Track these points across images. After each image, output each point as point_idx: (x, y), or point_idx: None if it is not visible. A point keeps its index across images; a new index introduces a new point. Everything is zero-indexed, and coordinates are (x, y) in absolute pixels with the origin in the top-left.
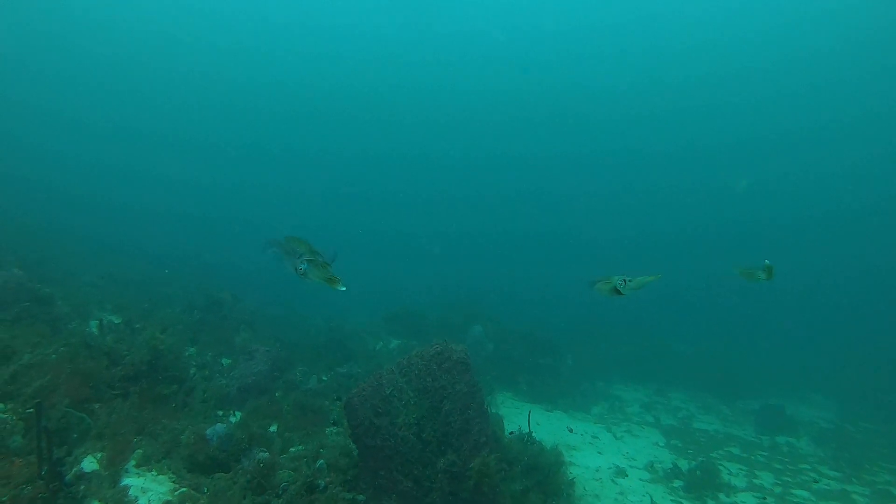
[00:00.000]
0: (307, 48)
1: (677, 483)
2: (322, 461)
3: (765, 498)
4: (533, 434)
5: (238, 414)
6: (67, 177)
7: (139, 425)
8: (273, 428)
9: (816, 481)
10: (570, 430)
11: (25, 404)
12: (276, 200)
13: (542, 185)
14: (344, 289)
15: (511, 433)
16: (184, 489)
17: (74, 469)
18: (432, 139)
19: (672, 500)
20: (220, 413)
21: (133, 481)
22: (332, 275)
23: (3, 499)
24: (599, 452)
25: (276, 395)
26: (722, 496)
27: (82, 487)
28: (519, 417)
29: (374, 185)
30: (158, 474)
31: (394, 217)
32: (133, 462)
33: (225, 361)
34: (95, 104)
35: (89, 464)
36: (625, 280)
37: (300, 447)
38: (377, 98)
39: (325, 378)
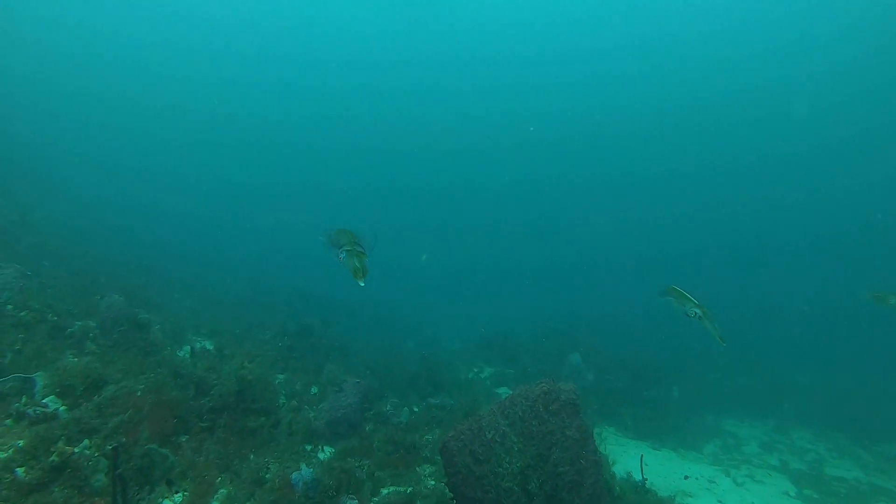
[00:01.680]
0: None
1: None
2: None
3: None
4: (647, 481)
5: (327, 449)
6: (158, 192)
7: (224, 462)
8: (364, 466)
9: None
10: (686, 478)
11: (108, 440)
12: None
13: (636, 206)
14: (362, 284)
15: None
16: None
17: None
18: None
19: None
20: (309, 448)
21: None
22: (360, 267)
23: None
24: (720, 501)
25: (367, 428)
26: None
27: None
28: (625, 457)
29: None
30: None
31: (491, 245)
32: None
33: (314, 390)
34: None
35: None
36: (697, 313)
37: (391, 488)
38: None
39: (416, 409)
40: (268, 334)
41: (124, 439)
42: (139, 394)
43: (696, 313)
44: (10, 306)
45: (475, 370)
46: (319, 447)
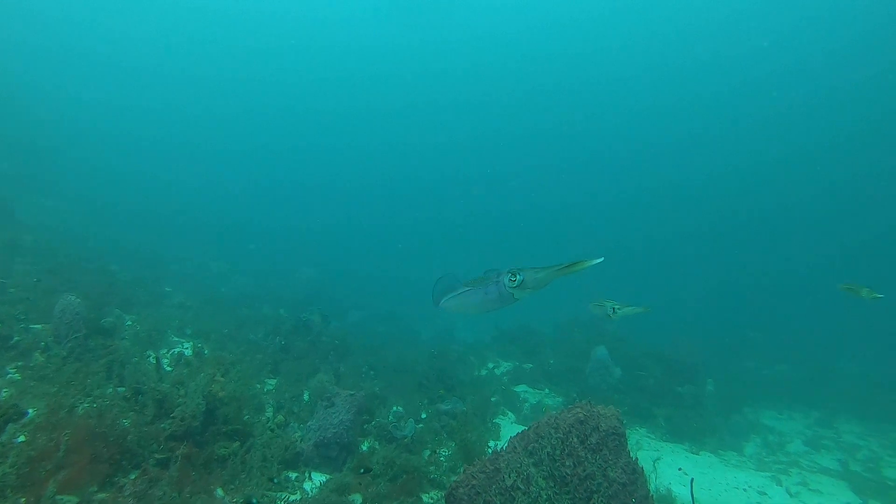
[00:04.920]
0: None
1: None
2: None
3: None
4: None
5: (316, 477)
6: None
7: None
8: (357, 500)
9: None
10: (680, 469)
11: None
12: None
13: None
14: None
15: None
16: None
17: None
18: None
19: None
20: (293, 476)
21: None
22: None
23: None
24: None
25: (364, 447)
26: None
27: None
28: (661, 464)
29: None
30: None
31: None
32: None
33: (307, 396)
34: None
35: None
36: (614, 308)
37: None
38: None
39: (424, 416)
40: (260, 333)
41: (23, 500)
42: (79, 416)
43: (613, 308)
44: None
45: (490, 366)
46: (306, 475)
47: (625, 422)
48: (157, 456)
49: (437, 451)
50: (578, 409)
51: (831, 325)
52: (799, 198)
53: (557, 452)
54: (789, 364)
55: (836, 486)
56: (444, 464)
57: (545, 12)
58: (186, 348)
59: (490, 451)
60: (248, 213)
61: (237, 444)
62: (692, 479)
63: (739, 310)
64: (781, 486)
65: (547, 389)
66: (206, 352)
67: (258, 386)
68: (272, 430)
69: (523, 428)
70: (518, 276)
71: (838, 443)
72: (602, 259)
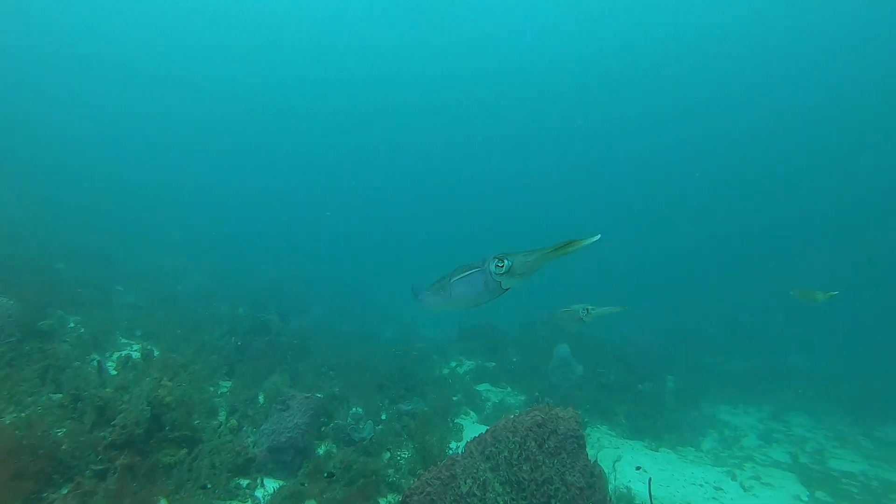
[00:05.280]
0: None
1: None
2: None
3: None
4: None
5: (269, 483)
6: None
7: None
8: None
9: None
10: (639, 468)
11: None
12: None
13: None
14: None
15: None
16: None
17: None
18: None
19: None
20: (245, 484)
21: None
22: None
23: None
24: None
25: (321, 451)
26: None
27: None
28: (621, 462)
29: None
30: None
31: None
32: None
33: (262, 399)
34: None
35: None
36: (587, 309)
37: None
38: None
39: (384, 417)
40: (216, 333)
41: None
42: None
43: (586, 310)
44: None
45: (453, 364)
46: (258, 482)
47: (586, 419)
48: (94, 467)
49: (397, 453)
50: (537, 412)
51: (784, 321)
52: (756, 197)
53: (515, 457)
54: (745, 360)
55: (787, 478)
56: (404, 466)
57: (555, 13)
58: (135, 351)
59: (451, 451)
60: (214, 212)
61: (184, 451)
62: (650, 479)
63: (699, 306)
64: (736, 480)
65: (509, 388)
66: (156, 354)
67: (211, 389)
68: (224, 435)
69: (485, 427)
70: (506, 262)
71: (789, 436)
72: (599, 236)
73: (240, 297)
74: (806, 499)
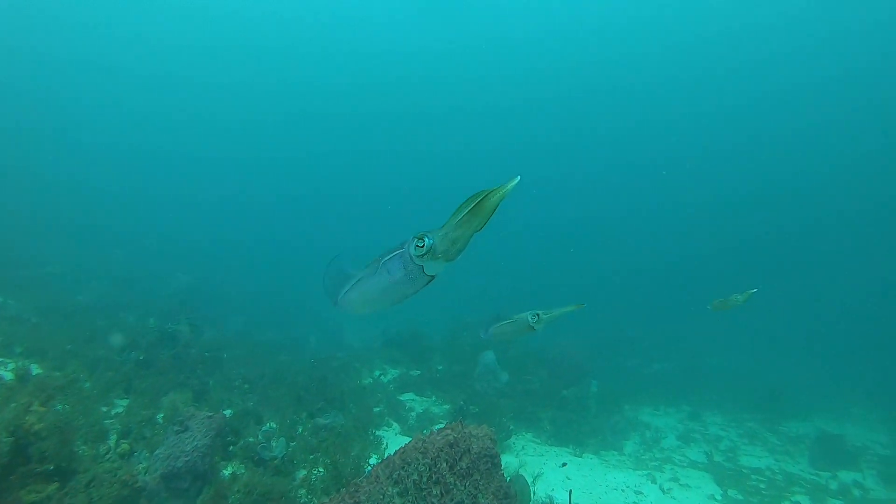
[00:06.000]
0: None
1: None
2: None
3: None
4: None
5: None
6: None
7: None
8: None
9: None
10: (564, 464)
11: None
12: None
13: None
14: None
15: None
16: None
17: None
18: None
19: None
20: None
21: None
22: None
23: None
24: None
25: (226, 473)
26: None
27: None
28: (546, 468)
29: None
30: None
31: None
32: None
33: (159, 417)
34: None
35: None
36: (538, 314)
37: None
38: None
39: (301, 431)
40: (116, 347)
41: None
42: None
43: (536, 315)
44: None
45: (377, 373)
46: None
47: (511, 427)
48: None
49: (312, 471)
50: (449, 431)
51: (701, 322)
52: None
53: (424, 480)
54: (666, 361)
55: (703, 478)
56: (318, 485)
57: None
58: (8, 371)
59: (369, 468)
60: (127, 214)
61: (55, 485)
62: (570, 491)
63: (622, 309)
64: (656, 483)
65: (434, 397)
66: (35, 372)
67: (105, 409)
68: (110, 462)
69: (408, 439)
70: (426, 240)
71: (705, 435)
72: (518, 178)
73: (150, 306)
74: (720, 498)
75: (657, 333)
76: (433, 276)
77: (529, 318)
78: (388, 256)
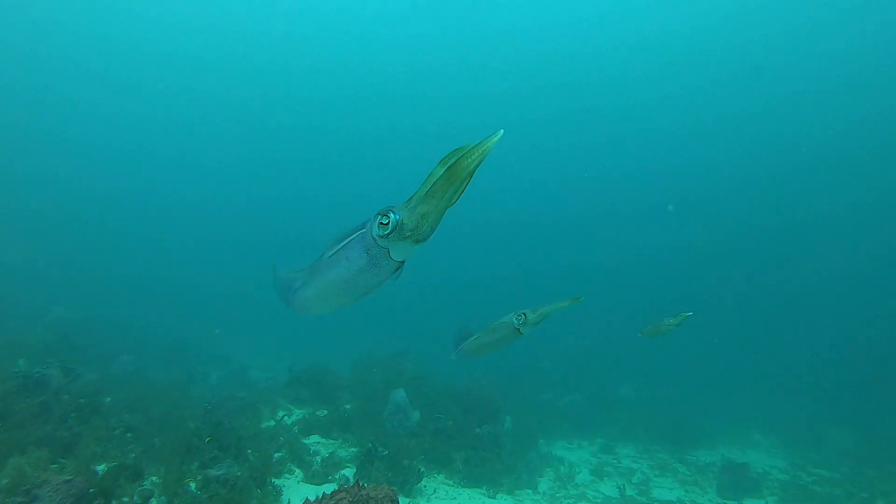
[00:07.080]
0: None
1: None
2: None
3: None
4: None
5: None
6: None
7: None
8: None
9: None
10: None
11: None
12: None
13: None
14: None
15: None
16: None
17: None
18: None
19: None
20: None
21: None
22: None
23: None
24: None
25: None
26: None
27: None
28: None
29: None
30: None
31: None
32: None
33: (4, 482)
34: None
35: None
36: (524, 314)
37: None
38: None
39: (192, 488)
40: None
41: None
42: None
43: (523, 315)
44: None
45: (281, 414)
46: None
47: (422, 469)
48: None
49: None
50: (344, 495)
51: (614, 352)
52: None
53: None
54: (578, 392)
55: None
56: None
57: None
58: None
59: None
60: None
61: None
62: None
63: (537, 340)
64: None
65: (341, 440)
66: None
67: None
68: None
69: (311, 487)
70: (391, 216)
71: (618, 468)
72: (502, 132)
73: (19, 347)
74: None
75: (570, 363)
76: (402, 263)
77: (514, 321)
78: (347, 240)
